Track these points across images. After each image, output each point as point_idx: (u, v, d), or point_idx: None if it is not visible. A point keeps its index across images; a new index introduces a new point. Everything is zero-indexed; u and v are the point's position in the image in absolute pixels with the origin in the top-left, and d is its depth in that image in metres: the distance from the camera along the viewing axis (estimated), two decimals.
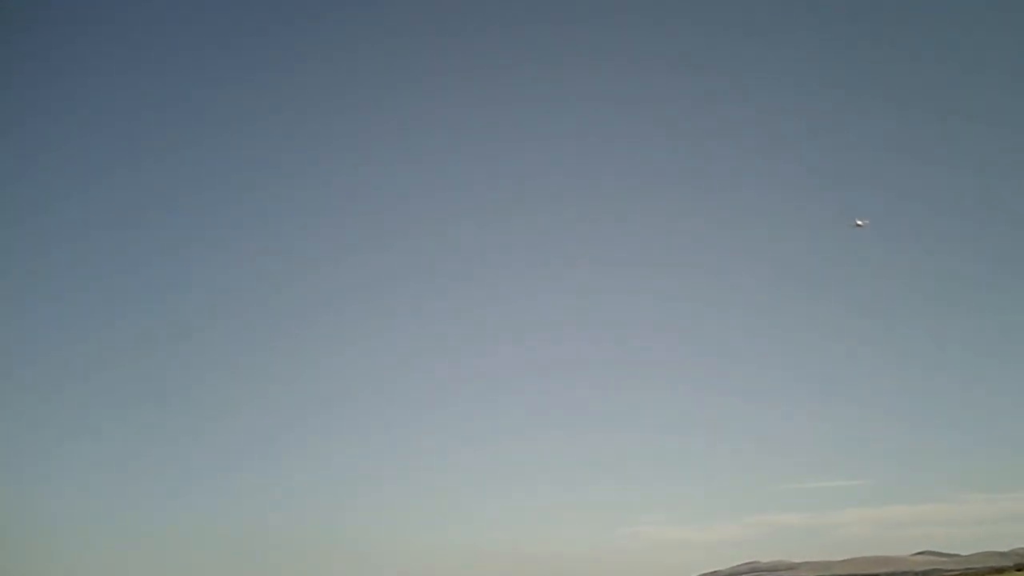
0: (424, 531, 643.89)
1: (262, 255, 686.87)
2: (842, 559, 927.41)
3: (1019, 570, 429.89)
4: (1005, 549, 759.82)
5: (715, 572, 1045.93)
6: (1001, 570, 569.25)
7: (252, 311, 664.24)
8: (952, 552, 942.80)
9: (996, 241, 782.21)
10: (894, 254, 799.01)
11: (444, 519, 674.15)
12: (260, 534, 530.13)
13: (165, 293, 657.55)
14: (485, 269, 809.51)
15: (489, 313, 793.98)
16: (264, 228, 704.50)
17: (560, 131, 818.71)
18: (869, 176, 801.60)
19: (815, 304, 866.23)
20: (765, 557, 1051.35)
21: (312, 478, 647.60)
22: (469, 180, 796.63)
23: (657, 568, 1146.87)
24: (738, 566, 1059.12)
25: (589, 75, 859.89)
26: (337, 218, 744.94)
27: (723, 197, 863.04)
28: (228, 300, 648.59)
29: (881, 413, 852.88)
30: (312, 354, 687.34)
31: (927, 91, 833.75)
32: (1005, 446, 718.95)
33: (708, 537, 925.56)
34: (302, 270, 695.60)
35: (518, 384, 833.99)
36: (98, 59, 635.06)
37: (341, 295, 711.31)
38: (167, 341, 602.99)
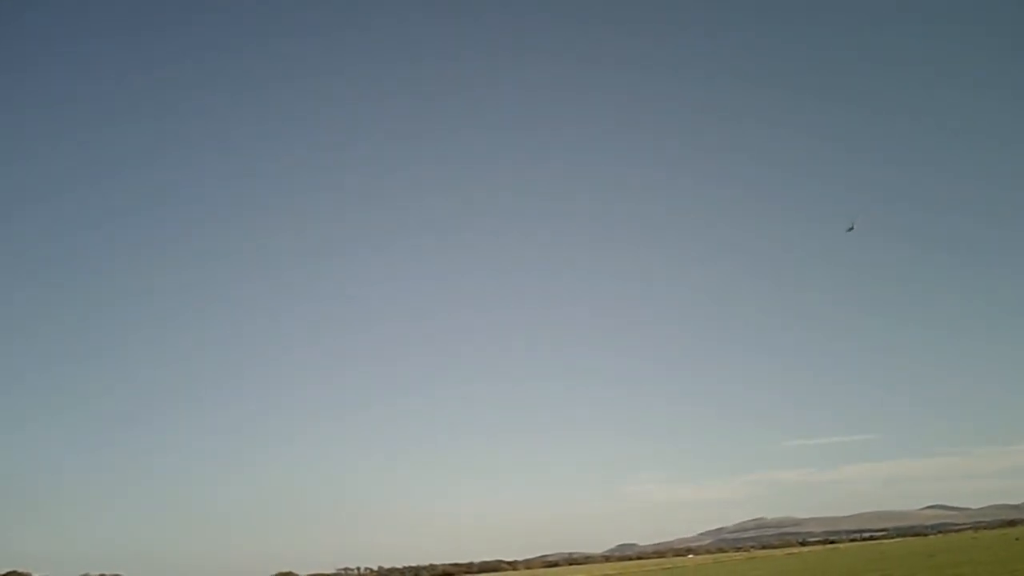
0: (426, 496, 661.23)
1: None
2: (849, 514, 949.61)
3: None
4: (1016, 502, 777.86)
5: (720, 529, 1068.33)
6: (1012, 523, 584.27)
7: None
8: (962, 506, 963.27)
9: (1004, 203, 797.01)
10: (909, 223, 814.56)
11: (445, 484, 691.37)
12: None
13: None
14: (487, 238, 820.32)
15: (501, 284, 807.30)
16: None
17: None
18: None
19: (821, 259, 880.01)
20: (771, 514, 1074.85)
21: (330, 440, 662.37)
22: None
23: (660, 526, 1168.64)
24: (744, 523, 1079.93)
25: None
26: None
27: (738, 173, 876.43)
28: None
29: (886, 366, 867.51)
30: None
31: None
32: (1016, 396, 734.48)
33: (712, 495, 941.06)
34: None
35: (515, 341, 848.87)
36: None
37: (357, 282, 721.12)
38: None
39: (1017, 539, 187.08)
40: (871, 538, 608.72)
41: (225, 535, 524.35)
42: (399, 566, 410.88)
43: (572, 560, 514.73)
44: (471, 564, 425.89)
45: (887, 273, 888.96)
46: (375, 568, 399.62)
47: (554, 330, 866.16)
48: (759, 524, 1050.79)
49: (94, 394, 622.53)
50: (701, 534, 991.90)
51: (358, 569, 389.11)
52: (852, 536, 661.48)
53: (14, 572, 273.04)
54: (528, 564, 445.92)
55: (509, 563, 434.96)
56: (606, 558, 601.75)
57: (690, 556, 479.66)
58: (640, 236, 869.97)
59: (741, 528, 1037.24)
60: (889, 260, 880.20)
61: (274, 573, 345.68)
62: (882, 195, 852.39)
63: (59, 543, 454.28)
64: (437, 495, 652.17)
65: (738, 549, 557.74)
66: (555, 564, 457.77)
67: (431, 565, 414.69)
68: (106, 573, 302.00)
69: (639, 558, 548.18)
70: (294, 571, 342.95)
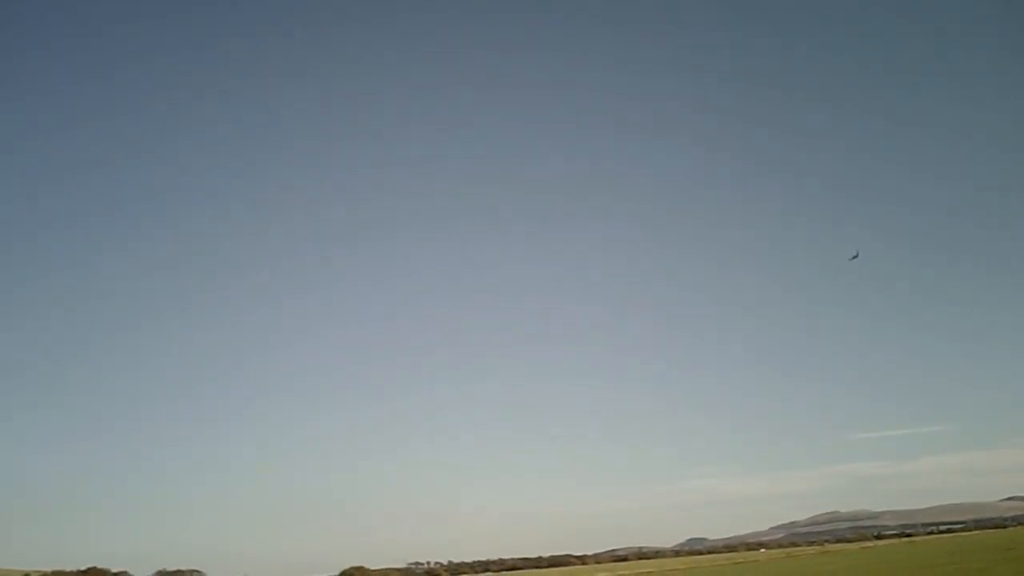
0: (492, 492, 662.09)
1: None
2: (926, 507, 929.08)
3: None
4: None
5: (793, 523, 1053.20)
6: None
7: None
8: None
9: None
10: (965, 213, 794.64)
11: (512, 479, 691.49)
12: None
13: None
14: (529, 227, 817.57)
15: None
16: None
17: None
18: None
19: (894, 245, 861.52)
20: (845, 507, 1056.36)
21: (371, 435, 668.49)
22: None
23: (732, 520, 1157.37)
24: (817, 516, 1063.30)
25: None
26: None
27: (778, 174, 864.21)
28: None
29: (964, 355, 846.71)
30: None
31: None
32: None
33: (785, 488, 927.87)
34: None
35: (573, 335, 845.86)
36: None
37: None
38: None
39: None
40: (948, 531, 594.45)
41: (296, 531, 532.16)
42: (468, 560, 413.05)
43: (642, 554, 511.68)
44: (540, 558, 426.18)
45: (963, 258, 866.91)
46: (444, 563, 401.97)
47: (616, 325, 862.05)
48: (833, 518, 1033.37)
49: (170, 397, 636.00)
50: (773, 528, 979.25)
51: (427, 563, 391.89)
52: (929, 529, 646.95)
53: (94, 568, 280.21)
54: (597, 558, 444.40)
55: (578, 557, 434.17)
56: (676, 552, 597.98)
57: (762, 551, 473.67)
58: (703, 228, 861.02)
59: (814, 522, 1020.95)
60: (963, 245, 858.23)
61: (345, 568, 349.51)
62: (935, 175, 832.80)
63: (136, 540, 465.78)
64: (503, 491, 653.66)
65: (811, 543, 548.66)
66: (624, 558, 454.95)
67: (500, 560, 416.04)
68: (183, 569, 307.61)
69: (710, 552, 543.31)
70: (364, 566, 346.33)
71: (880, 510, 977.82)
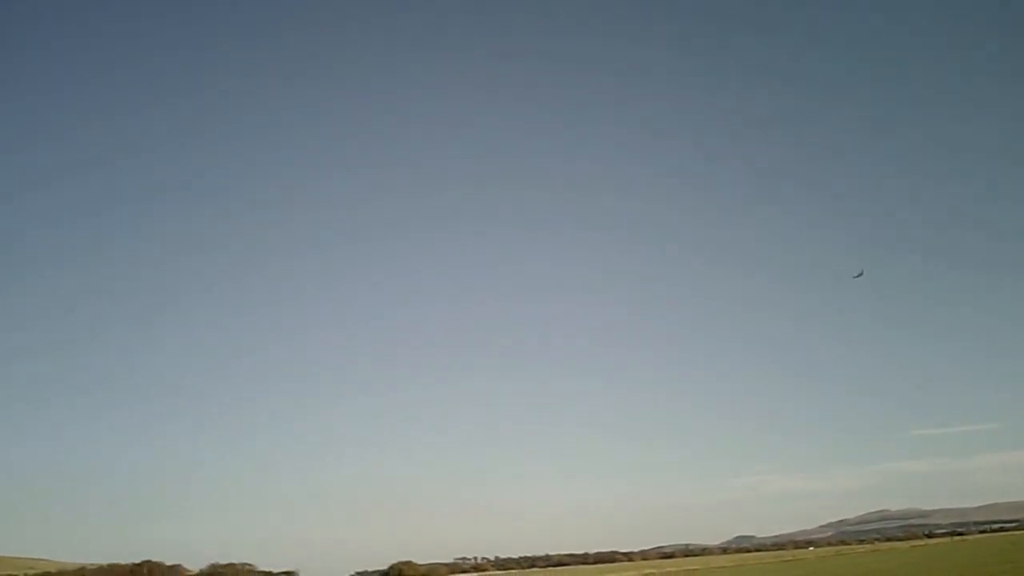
0: (538, 487, 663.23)
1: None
2: (978, 505, 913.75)
3: None
4: None
5: (842, 521, 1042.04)
6: None
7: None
8: None
9: None
10: None
11: (557, 475, 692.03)
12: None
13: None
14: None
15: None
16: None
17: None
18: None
19: (951, 241, 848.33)
20: (895, 505, 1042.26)
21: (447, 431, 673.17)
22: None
23: (780, 518, 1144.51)
24: (866, 514, 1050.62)
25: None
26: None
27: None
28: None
29: (1014, 350, 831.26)
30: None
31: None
32: None
33: (833, 486, 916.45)
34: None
35: (618, 334, 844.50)
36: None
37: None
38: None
39: None
40: (1001, 529, 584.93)
41: (343, 525, 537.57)
42: (515, 556, 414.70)
43: (688, 551, 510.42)
44: (586, 555, 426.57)
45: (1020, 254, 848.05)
46: (491, 558, 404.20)
47: (661, 323, 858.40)
48: (883, 516, 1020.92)
49: (217, 392, 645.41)
50: (822, 526, 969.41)
51: (475, 559, 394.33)
52: (982, 528, 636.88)
53: (148, 561, 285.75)
54: (644, 555, 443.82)
55: (624, 554, 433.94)
56: (724, 550, 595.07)
57: (811, 548, 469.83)
58: (739, 221, 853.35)
59: (864, 520, 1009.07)
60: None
61: (393, 563, 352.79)
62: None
63: (191, 532, 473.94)
64: (550, 487, 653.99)
65: (861, 541, 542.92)
66: (671, 555, 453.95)
67: (546, 556, 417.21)
68: (235, 562, 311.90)
69: (757, 550, 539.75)
70: (413, 560, 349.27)
71: (931, 508, 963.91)
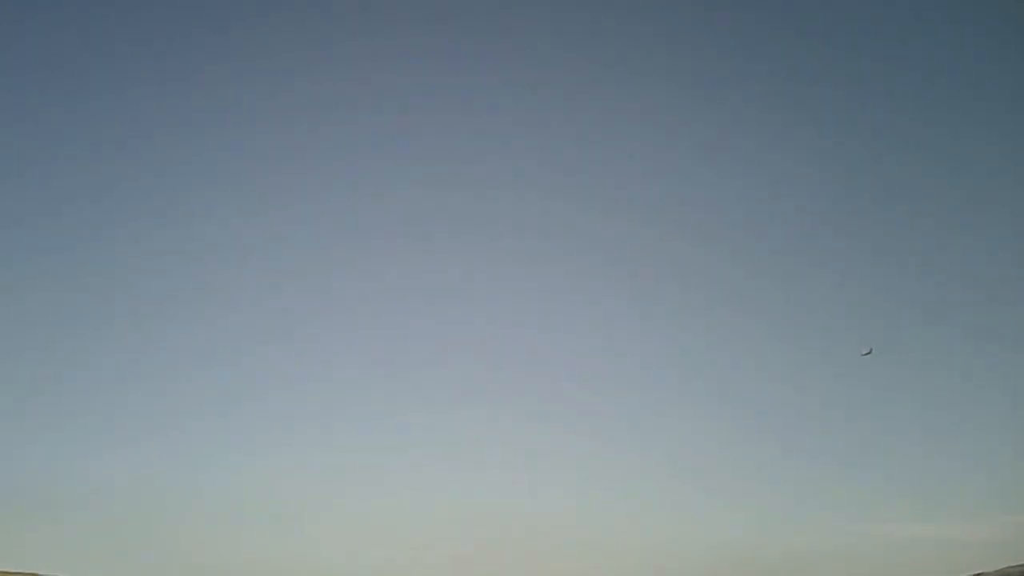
0: (646, 529, 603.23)
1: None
2: None
3: None
4: None
5: (980, 575, 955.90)
6: None
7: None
8: None
9: None
10: None
11: (660, 516, 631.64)
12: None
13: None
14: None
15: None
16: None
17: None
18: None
19: None
20: None
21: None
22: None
23: (906, 570, 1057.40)
24: (1008, 568, 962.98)
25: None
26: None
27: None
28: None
29: None
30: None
31: None
32: None
33: (970, 536, 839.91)
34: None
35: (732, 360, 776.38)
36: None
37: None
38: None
39: None
40: None
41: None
42: None
43: None
44: None
45: None
46: None
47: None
48: None
49: (335, 403, 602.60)
50: None
51: None
52: None
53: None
54: None
55: None
56: None
57: None
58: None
59: (1004, 575, 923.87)
60: None
61: None
62: None
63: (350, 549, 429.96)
64: (651, 523, 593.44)
65: None
66: None
67: None
68: None
69: None
70: None
71: None
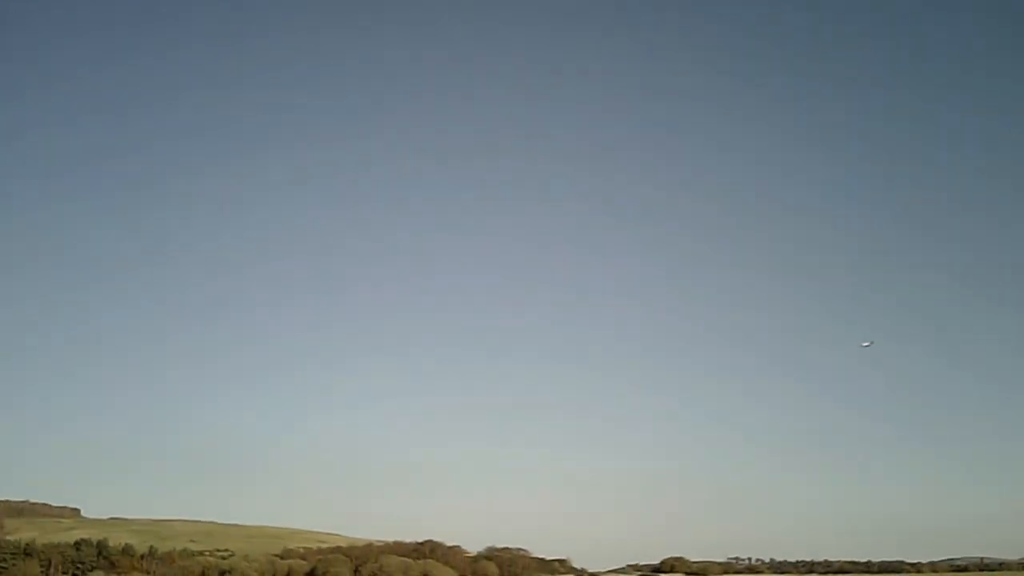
0: (802, 490, 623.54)
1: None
2: None
3: None
4: None
5: None
6: None
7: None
8: None
9: None
10: None
11: (830, 479, 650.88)
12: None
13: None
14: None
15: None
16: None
17: None
18: None
19: None
20: None
21: None
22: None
23: None
24: None
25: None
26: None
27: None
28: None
29: None
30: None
31: None
32: None
33: None
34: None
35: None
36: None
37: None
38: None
39: None
40: None
41: (615, 515, 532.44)
42: (791, 560, 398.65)
43: (984, 566, 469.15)
44: (869, 563, 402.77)
45: None
46: (767, 560, 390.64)
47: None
48: None
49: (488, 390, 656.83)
50: None
51: (749, 559, 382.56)
52: None
53: (430, 540, 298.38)
54: (934, 567, 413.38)
55: (911, 564, 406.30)
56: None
57: None
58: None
59: None
60: None
61: (664, 558, 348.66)
62: None
63: (466, 515, 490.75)
64: (831, 491, 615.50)
65: None
66: (964, 568, 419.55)
67: (826, 562, 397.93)
68: (510, 546, 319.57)
69: None
70: (684, 557, 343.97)
71: None
